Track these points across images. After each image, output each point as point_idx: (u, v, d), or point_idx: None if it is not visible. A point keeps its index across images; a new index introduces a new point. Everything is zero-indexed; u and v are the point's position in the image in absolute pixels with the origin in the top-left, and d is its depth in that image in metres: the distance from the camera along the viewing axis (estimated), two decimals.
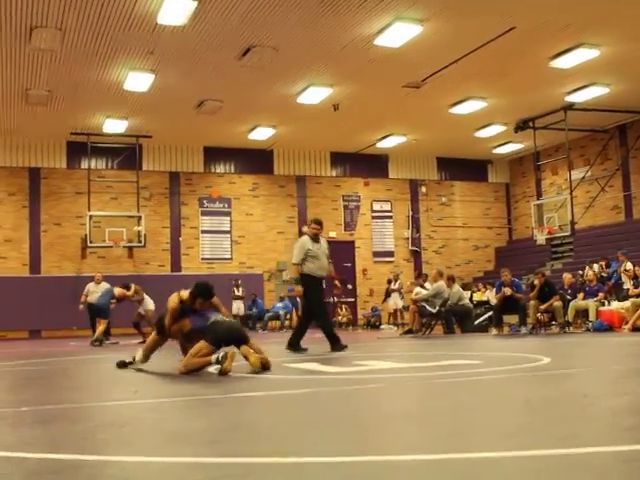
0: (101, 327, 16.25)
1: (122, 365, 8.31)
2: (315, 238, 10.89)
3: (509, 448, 3.22)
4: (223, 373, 6.89)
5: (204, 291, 7.72)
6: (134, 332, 17.20)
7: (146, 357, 8.17)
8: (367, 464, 3.00)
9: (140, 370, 8.00)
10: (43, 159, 24.04)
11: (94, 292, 17.28)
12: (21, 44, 15.75)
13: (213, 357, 7.12)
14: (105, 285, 17.38)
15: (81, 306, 17.47)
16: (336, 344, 10.58)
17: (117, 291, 16.76)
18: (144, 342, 14.30)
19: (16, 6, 13.86)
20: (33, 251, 23.75)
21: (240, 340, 7.43)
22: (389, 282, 24.65)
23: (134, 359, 8.23)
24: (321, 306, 11.03)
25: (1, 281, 22.66)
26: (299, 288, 10.81)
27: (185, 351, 7.65)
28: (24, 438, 3.83)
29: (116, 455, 3.30)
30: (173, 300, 7.76)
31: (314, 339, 11.82)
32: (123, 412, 4.96)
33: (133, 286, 17.05)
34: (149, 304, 17.04)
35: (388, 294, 24.38)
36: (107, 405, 5.42)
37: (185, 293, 7.78)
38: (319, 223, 11.03)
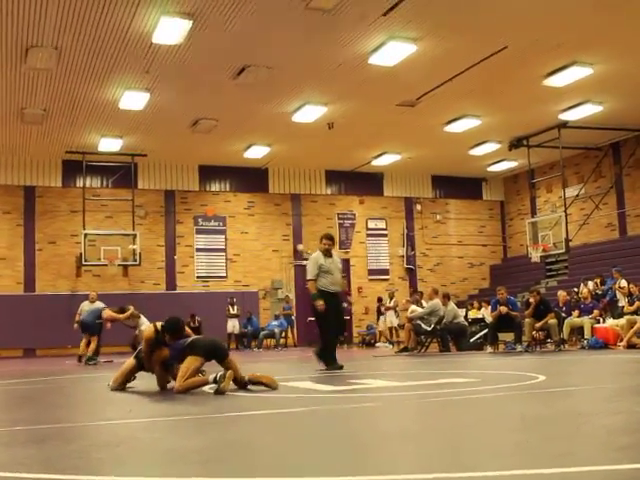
0: (92, 345, 16.15)
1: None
2: (327, 253, 10.85)
3: (506, 467, 3.21)
4: (220, 392, 6.90)
5: (173, 328, 7.72)
6: (129, 351, 17.07)
7: (121, 385, 8.03)
8: None
9: (133, 390, 7.98)
10: (38, 177, 24.05)
11: (87, 311, 17.20)
12: (17, 63, 15.81)
13: (210, 377, 7.15)
14: (99, 304, 17.31)
15: (75, 325, 17.37)
16: (330, 364, 10.59)
17: (106, 313, 16.36)
18: None
19: (12, 26, 13.92)
20: (28, 269, 23.71)
21: (222, 354, 7.46)
22: (379, 301, 24.75)
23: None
24: (328, 322, 10.84)
25: None
26: (319, 302, 10.58)
27: (161, 379, 7.66)
28: (18, 457, 3.82)
29: (111, 475, 3.28)
30: (149, 330, 7.83)
31: (305, 357, 11.80)
32: (118, 431, 4.94)
33: (131, 309, 16.51)
34: (144, 325, 16.70)
35: (380, 312, 24.42)
36: (102, 424, 5.39)
37: (159, 325, 7.81)
38: (330, 238, 11.04)
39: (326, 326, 10.84)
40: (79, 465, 3.57)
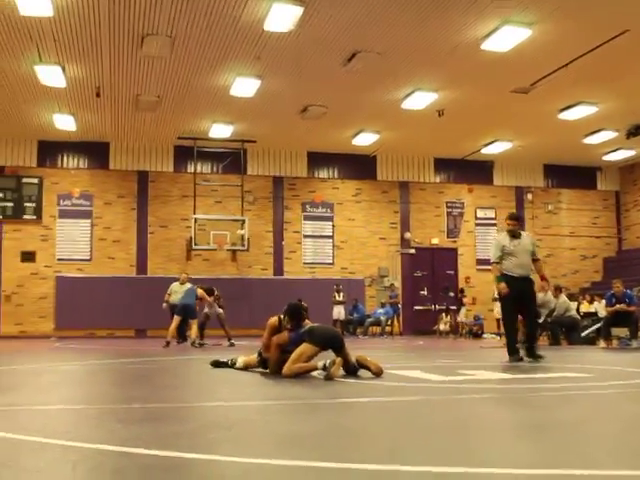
0: (194, 327, 16.36)
1: (216, 365, 8.58)
2: (513, 234, 10.24)
3: (625, 466, 3.07)
4: (329, 378, 6.92)
5: (293, 312, 7.89)
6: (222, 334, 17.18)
7: (245, 369, 8.38)
8: (478, 476, 2.90)
9: (243, 372, 8.09)
10: (151, 163, 24.71)
11: (177, 292, 17.35)
12: (133, 51, 16.22)
13: (319, 363, 7.18)
14: (188, 286, 17.53)
15: (164, 305, 17.55)
16: (510, 353, 10.11)
17: (199, 292, 16.62)
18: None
19: (129, 15, 14.29)
20: (140, 252, 24.42)
21: (339, 344, 7.47)
22: (461, 292, 24.61)
23: (230, 362, 8.48)
24: (508, 309, 10.31)
25: (110, 281, 23.40)
26: (501, 285, 10.02)
27: (275, 364, 7.71)
28: (136, 434, 3.89)
29: (225, 455, 3.30)
30: (273, 318, 8.07)
31: (412, 346, 11.70)
32: (231, 413, 4.98)
33: (216, 292, 16.98)
34: (220, 309, 17.22)
35: (462, 304, 24.23)
36: (214, 405, 5.46)
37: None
38: (514, 218, 10.53)
39: (507, 313, 10.38)
40: (194, 444, 3.61)
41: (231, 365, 8.52)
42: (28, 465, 3.12)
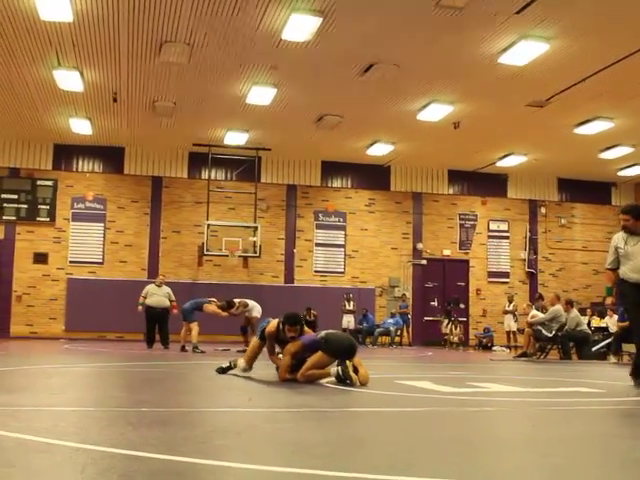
0: (194, 331, 16.09)
1: (221, 371, 8.64)
2: (632, 231, 8.36)
3: None
4: (345, 379, 7.19)
5: (290, 320, 7.93)
6: (241, 340, 17.12)
7: (249, 365, 8.42)
8: None
9: (250, 378, 8.12)
10: (166, 168, 24.79)
11: (154, 294, 17.36)
12: (151, 57, 16.30)
13: (332, 370, 7.25)
14: (166, 288, 17.53)
15: (139, 307, 17.47)
16: (635, 375, 8.38)
17: (207, 309, 16.15)
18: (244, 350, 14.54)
19: (148, 21, 14.36)
20: (152, 257, 24.49)
21: (353, 353, 7.53)
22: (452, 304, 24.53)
23: (232, 364, 8.54)
24: (636, 323, 8.50)
25: (121, 284, 23.45)
26: (609, 300, 8.80)
27: (285, 370, 7.75)
28: (145, 438, 3.92)
29: (234, 462, 3.31)
30: (271, 325, 8.12)
31: (421, 357, 11.68)
32: (239, 419, 5.00)
33: (237, 305, 16.35)
34: (254, 311, 16.46)
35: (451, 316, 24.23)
36: (222, 411, 5.48)
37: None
38: (627, 211, 8.47)
39: (633, 326, 8.66)
40: (202, 450, 3.63)
41: (233, 367, 8.57)
42: (37, 466, 3.15)
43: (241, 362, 8.52)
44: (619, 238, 8.45)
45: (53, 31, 14.77)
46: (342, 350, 7.49)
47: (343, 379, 7.26)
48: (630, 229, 8.33)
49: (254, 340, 8.57)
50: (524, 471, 3.36)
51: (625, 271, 8.30)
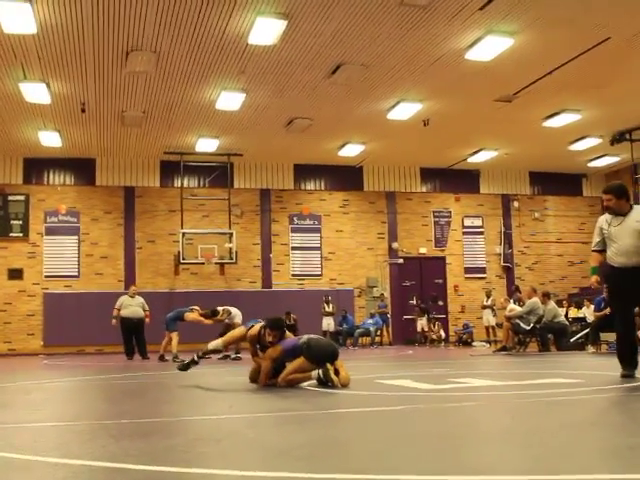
0: (174, 341, 15.75)
1: (184, 367, 8.76)
2: (612, 211, 7.81)
3: (618, 470, 3.09)
4: (329, 383, 7.21)
5: (273, 325, 7.87)
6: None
7: (224, 347, 8.40)
8: None
9: (233, 386, 8.09)
10: (137, 178, 24.68)
11: (129, 305, 17.33)
12: (118, 67, 16.23)
13: (314, 373, 7.25)
14: (139, 299, 17.49)
15: (114, 320, 17.46)
16: (623, 365, 7.78)
17: (188, 317, 15.79)
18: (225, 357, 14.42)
19: (113, 31, 14.30)
20: (128, 267, 24.35)
21: (335, 359, 7.54)
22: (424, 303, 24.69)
23: (197, 355, 8.50)
24: (617, 309, 8.05)
25: (98, 296, 23.26)
26: (592, 279, 8.02)
27: (265, 375, 7.73)
28: (126, 449, 3.89)
29: (217, 469, 3.30)
30: (254, 330, 8.05)
31: (401, 356, 11.71)
32: (221, 426, 4.99)
33: (221, 313, 15.95)
34: (236, 318, 16.08)
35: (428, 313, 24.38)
36: (204, 419, 5.46)
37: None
38: (609, 191, 7.85)
39: (616, 312, 8.07)
40: (185, 458, 3.61)
41: (200, 357, 8.55)
42: None
43: (218, 342, 8.53)
44: (603, 220, 7.96)
45: (17, 43, 14.66)
46: (324, 356, 7.48)
47: (324, 382, 7.26)
48: (613, 209, 7.78)
49: (239, 329, 8.56)
50: (506, 463, 3.37)
51: (609, 254, 7.83)
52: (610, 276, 7.93)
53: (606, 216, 7.90)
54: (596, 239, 8.02)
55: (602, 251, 7.96)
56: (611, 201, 7.74)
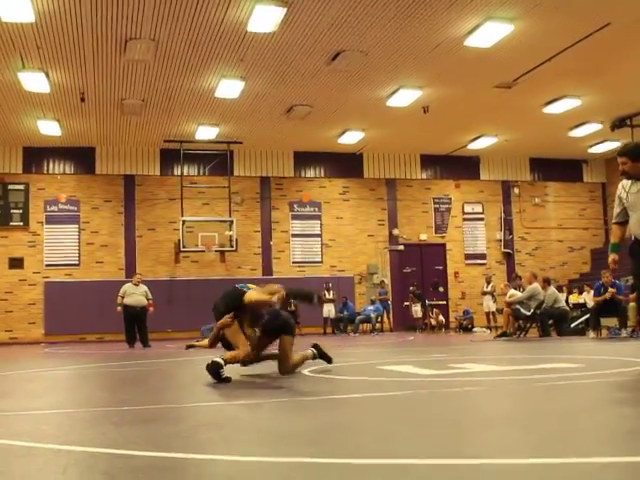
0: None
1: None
2: (631, 176, 6.90)
3: (620, 453, 3.09)
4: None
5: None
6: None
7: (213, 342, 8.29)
8: (471, 467, 2.92)
9: (231, 371, 8.09)
10: (137, 166, 24.66)
11: (132, 294, 17.36)
12: (117, 55, 16.19)
13: (308, 352, 7.30)
14: (143, 287, 17.49)
15: (119, 308, 17.50)
16: None
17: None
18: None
19: (112, 19, 14.26)
20: (128, 256, 24.37)
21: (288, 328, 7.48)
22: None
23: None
24: (636, 287, 7.50)
25: (99, 285, 23.31)
26: (610, 258, 7.26)
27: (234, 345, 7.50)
28: (128, 436, 3.89)
29: (219, 454, 3.30)
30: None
31: (402, 342, 11.73)
32: (222, 413, 4.99)
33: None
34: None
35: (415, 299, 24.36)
36: (205, 405, 5.46)
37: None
38: (623, 154, 6.91)
39: (636, 288, 7.48)
40: (187, 444, 3.61)
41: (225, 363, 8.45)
42: (19, 470, 3.12)
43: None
44: (621, 187, 7.04)
45: (15, 32, 14.62)
46: (282, 324, 7.40)
47: (320, 356, 7.38)
48: (629, 174, 6.84)
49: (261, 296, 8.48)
50: (509, 446, 3.38)
51: (630, 225, 6.88)
52: (633, 252, 6.88)
53: (623, 182, 7.00)
54: (616, 209, 7.10)
55: (624, 223, 7.04)
56: (626, 164, 6.81)
